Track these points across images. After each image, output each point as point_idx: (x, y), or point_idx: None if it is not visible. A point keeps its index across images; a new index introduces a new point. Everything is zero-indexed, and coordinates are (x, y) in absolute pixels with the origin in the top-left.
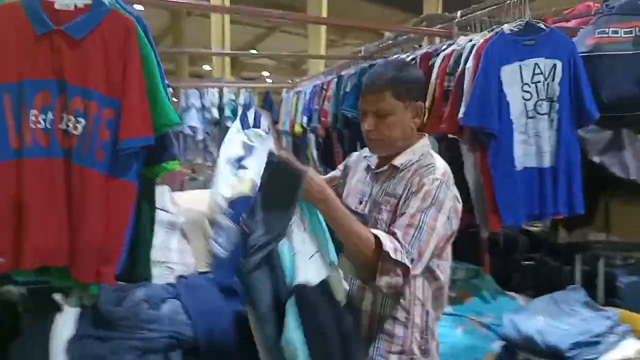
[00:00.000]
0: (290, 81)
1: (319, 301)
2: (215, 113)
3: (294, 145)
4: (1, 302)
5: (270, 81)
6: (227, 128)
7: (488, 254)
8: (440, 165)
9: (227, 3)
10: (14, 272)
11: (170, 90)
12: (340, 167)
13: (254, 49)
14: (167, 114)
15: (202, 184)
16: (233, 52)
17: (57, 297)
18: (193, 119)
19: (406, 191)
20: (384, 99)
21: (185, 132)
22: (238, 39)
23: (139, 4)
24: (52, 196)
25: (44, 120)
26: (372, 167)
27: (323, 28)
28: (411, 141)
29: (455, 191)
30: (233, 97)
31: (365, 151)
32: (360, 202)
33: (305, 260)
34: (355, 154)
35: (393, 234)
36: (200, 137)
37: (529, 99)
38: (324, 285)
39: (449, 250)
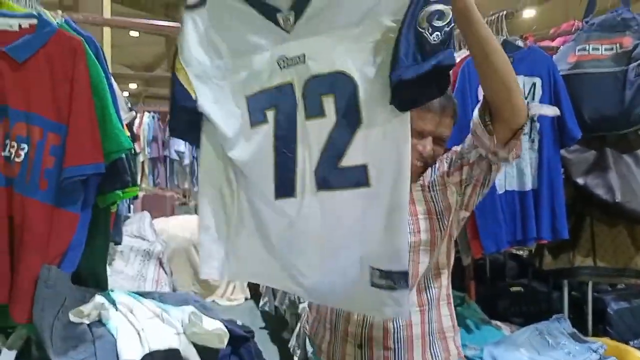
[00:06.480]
0: None
1: None
2: None
3: None
4: None
5: None
6: None
7: (474, 280)
8: None
9: None
10: None
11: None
12: None
13: None
14: (118, 139)
15: (192, 208)
16: None
17: None
18: (180, 144)
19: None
20: (450, 126)
21: (172, 157)
22: None
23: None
24: None
25: None
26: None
27: None
28: None
29: None
30: None
31: None
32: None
33: None
34: None
35: None
36: (187, 161)
37: None
38: None
39: None
